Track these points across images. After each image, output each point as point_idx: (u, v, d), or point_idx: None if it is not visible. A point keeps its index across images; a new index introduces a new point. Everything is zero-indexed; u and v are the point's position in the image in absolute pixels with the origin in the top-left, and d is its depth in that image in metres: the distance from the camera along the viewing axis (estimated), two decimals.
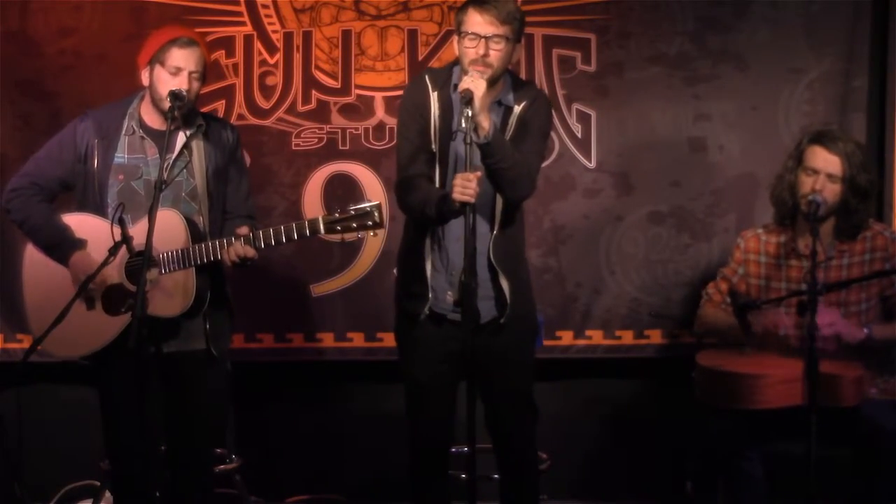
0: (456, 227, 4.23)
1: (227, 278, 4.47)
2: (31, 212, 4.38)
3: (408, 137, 4.32)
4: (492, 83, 4.19)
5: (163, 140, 4.25)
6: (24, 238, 4.47)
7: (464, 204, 4.05)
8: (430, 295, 4.31)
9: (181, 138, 4.32)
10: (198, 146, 4.35)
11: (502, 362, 4.35)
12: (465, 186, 4.03)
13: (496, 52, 4.17)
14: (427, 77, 4.34)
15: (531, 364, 4.48)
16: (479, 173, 4.09)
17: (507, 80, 4.33)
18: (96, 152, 4.33)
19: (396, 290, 4.49)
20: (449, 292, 4.31)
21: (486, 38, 4.16)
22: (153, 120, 4.35)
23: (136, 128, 4.35)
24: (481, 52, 4.16)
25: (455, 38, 4.27)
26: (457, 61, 4.31)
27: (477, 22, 4.17)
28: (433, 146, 4.27)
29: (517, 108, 4.27)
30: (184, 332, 4.34)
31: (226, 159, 4.42)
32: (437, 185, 4.28)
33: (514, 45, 4.22)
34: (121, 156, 4.34)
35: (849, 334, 4.42)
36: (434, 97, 4.28)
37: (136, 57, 4.38)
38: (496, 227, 4.28)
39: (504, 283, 4.30)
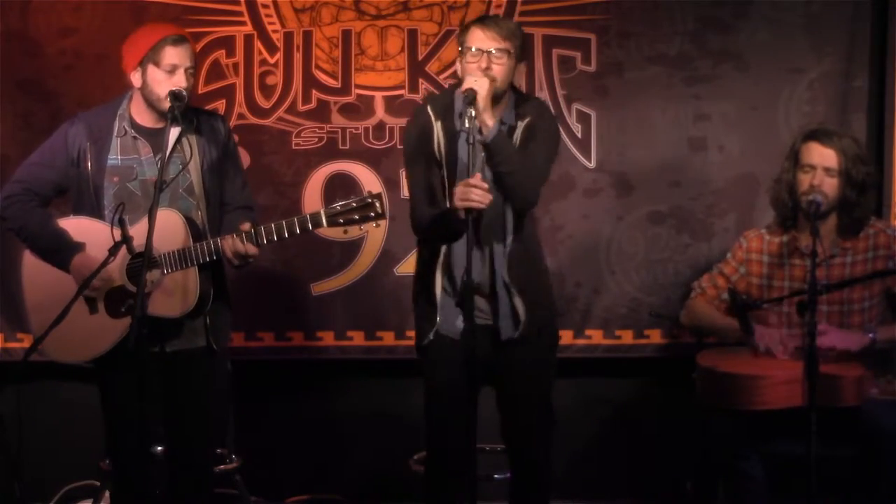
0: (461, 253, 4.22)
1: (227, 275, 4.45)
2: (27, 219, 4.34)
3: (417, 182, 4.34)
4: (495, 100, 4.21)
5: (155, 138, 4.26)
6: None
7: (468, 212, 4.07)
8: (439, 318, 4.31)
9: (174, 134, 4.26)
10: (191, 141, 4.31)
11: (523, 374, 4.35)
12: (465, 192, 4.05)
13: (499, 67, 4.21)
14: (429, 107, 4.35)
15: (553, 373, 4.47)
16: (478, 174, 4.09)
17: (510, 99, 4.34)
18: (89, 155, 4.29)
19: (414, 310, 4.46)
20: (460, 317, 4.28)
21: (489, 53, 4.20)
22: (145, 119, 4.33)
23: (127, 128, 4.32)
24: (483, 65, 4.20)
25: (458, 59, 4.30)
26: (457, 85, 4.32)
27: (479, 38, 4.23)
28: (443, 172, 4.29)
29: (520, 125, 4.29)
30: (186, 330, 4.32)
31: (220, 151, 4.39)
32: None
33: (516, 61, 4.27)
34: (114, 158, 4.31)
35: (855, 345, 4.44)
36: (438, 126, 4.30)
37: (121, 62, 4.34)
38: (509, 242, 4.29)
39: (518, 303, 4.30)
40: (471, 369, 4.15)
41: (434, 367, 4.37)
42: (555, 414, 4.48)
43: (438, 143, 4.30)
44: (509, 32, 4.24)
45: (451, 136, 4.29)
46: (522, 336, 4.32)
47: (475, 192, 4.05)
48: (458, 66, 4.31)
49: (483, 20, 4.28)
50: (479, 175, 4.10)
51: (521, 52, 4.31)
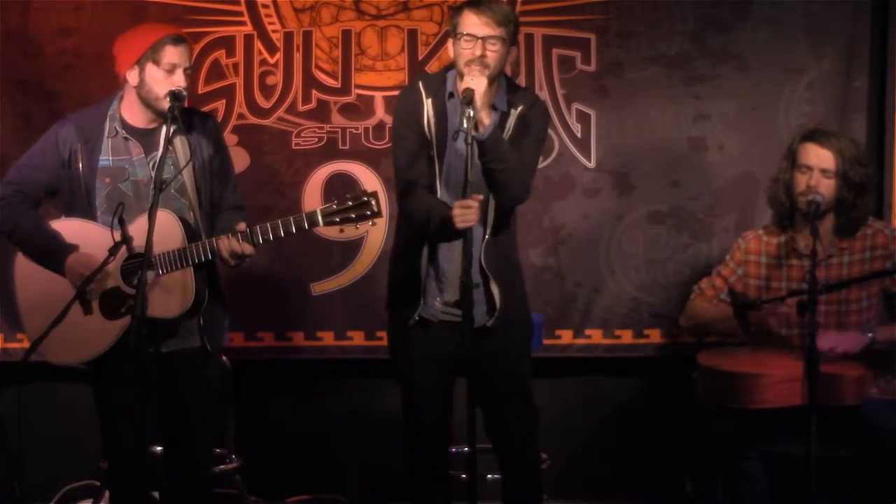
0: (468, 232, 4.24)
1: (223, 275, 4.44)
2: (19, 221, 4.31)
3: (404, 146, 4.33)
4: (488, 84, 4.19)
5: (146, 139, 4.26)
6: None
7: None
8: (422, 300, 4.33)
9: (165, 134, 4.22)
10: (182, 141, 4.28)
11: (499, 366, 4.36)
12: (465, 213, 4.08)
13: (493, 53, 4.19)
14: (420, 84, 4.35)
15: (528, 367, 4.48)
16: (480, 196, 4.12)
17: (503, 84, 4.34)
18: (80, 156, 4.27)
19: (388, 295, 4.49)
20: (438, 299, 4.32)
21: (483, 39, 4.18)
22: (136, 119, 4.31)
23: (118, 129, 4.30)
24: (478, 52, 4.18)
25: (451, 41, 4.29)
26: (450, 67, 4.33)
27: (473, 23, 4.19)
28: (431, 151, 4.29)
29: (513, 114, 4.28)
30: (180, 330, 4.31)
31: (211, 151, 4.37)
32: (438, 191, 4.29)
33: (509, 47, 4.25)
34: (105, 158, 4.29)
35: (855, 346, 4.44)
36: (428, 104, 4.29)
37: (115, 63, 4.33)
38: (488, 232, 4.29)
39: (494, 289, 4.30)
40: (443, 366, 4.25)
41: (413, 360, 4.39)
42: (536, 408, 4.47)
43: (428, 121, 4.29)
44: (503, 17, 4.20)
45: (441, 113, 4.28)
46: (496, 325, 4.33)
47: (474, 214, 4.08)
48: (450, 47, 4.29)
49: (477, 3, 4.21)
50: (481, 197, 4.12)
51: (515, 37, 4.28)
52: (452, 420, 4.44)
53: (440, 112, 4.28)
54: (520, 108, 4.29)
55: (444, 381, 4.39)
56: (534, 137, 4.34)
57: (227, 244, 4.16)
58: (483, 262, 4.29)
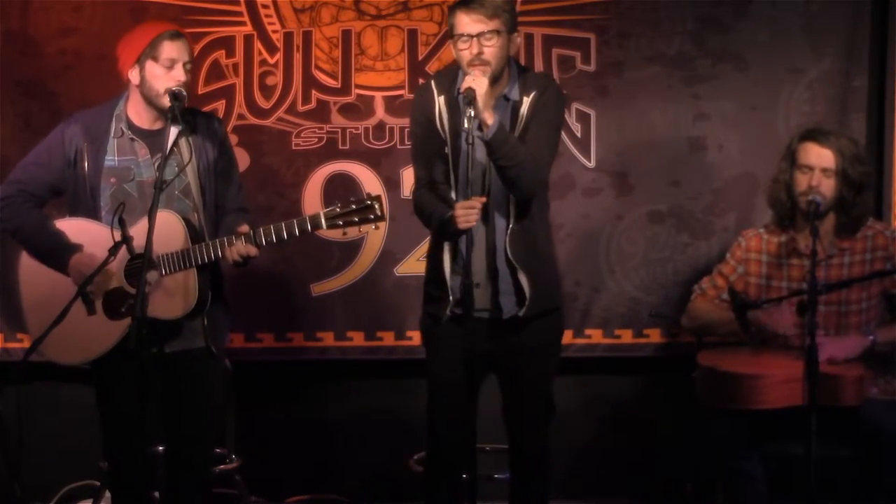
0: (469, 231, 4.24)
1: (225, 276, 4.45)
2: (23, 220, 4.31)
3: (415, 145, 4.37)
4: (494, 80, 4.19)
5: (152, 140, 4.26)
6: None
7: None
8: (451, 297, 4.30)
9: (172, 134, 4.22)
10: (187, 142, 4.28)
11: (523, 358, 4.34)
12: (468, 215, 4.09)
13: (490, 49, 4.18)
14: (433, 82, 4.36)
15: (553, 363, 4.46)
16: (483, 198, 4.13)
17: (513, 71, 4.32)
18: (86, 156, 4.27)
19: (424, 291, 4.48)
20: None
21: (477, 37, 4.17)
22: (142, 120, 4.31)
23: (124, 129, 4.30)
24: (475, 51, 4.18)
25: (450, 42, 4.29)
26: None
27: (465, 23, 4.19)
28: (446, 149, 4.29)
29: (525, 101, 4.26)
30: (185, 332, 4.32)
31: (216, 152, 4.37)
32: (452, 185, 4.28)
33: (508, 36, 4.23)
34: (111, 159, 4.29)
35: (855, 352, 4.44)
36: (440, 101, 4.29)
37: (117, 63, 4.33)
38: (511, 221, 4.27)
39: (523, 279, 4.28)
40: (471, 364, 4.19)
41: (441, 356, 4.37)
42: (554, 405, 4.47)
43: (441, 118, 4.29)
44: (494, 10, 4.17)
45: (453, 109, 4.27)
46: (526, 317, 4.31)
47: (475, 214, 4.09)
48: (452, 49, 4.29)
49: (466, 2, 4.20)
50: (484, 198, 4.13)
51: (513, 23, 4.26)
52: (475, 419, 4.37)
53: (452, 108, 4.28)
54: (532, 95, 4.27)
55: (469, 380, 4.28)
56: (547, 124, 4.30)
57: (235, 247, 4.16)
58: (509, 252, 4.27)
